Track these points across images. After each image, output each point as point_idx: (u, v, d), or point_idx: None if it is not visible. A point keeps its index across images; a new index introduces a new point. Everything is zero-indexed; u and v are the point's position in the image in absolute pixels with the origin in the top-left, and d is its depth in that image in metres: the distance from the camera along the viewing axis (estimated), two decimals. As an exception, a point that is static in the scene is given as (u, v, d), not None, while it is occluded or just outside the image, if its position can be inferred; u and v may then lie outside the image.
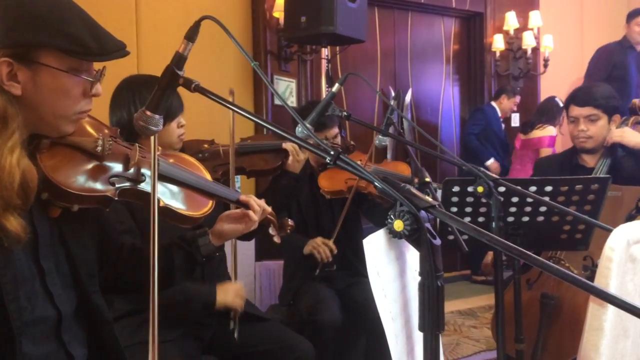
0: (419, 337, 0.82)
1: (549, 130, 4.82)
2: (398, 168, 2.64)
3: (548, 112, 4.87)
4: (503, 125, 5.12)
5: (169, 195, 1.35)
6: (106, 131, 1.30)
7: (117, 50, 1.16)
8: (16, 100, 1.09)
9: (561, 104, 4.75)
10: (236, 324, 1.91)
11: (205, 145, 2.30)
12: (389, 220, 0.84)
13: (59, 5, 1.11)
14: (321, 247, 2.47)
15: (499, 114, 5.02)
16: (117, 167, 1.25)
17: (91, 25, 1.13)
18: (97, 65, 1.19)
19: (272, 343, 1.96)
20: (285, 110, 4.15)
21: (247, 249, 3.05)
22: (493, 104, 5.05)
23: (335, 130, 2.59)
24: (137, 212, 1.76)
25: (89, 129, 1.27)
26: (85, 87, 1.17)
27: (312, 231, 2.62)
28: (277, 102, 4.06)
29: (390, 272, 0.89)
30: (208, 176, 1.51)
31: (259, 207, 1.52)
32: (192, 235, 1.50)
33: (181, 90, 1.14)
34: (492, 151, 4.93)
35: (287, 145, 2.31)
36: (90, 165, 1.21)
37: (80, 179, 1.17)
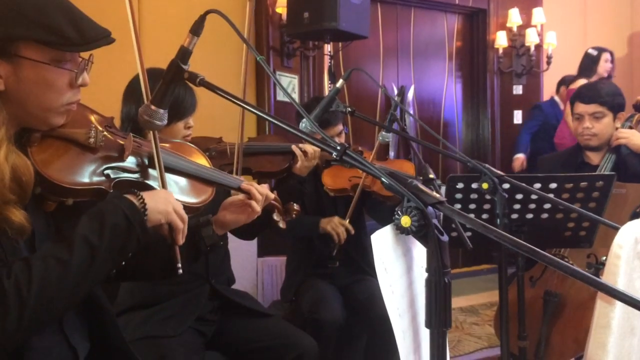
0: (426, 333, 0.82)
1: (580, 83, 4.73)
2: (403, 167, 2.62)
3: (584, 66, 4.73)
4: None
5: (166, 185, 1.32)
6: (100, 121, 1.27)
7: (99, 38, 1.13)
8: (0, 95, 1.07)
9: (595, 53, 4.66)
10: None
11: (212, 144, 2.28)
12: (396, 216, 0.83)
13: None
14: (339, 227, 2.45)
15: (562, 107, 4.91)
16: (111, 159, 1.22)
17: (71, 14, 1.10)
18: (85, 54, 1.16)
19: (274, 339, 1.95)
20: (288, 107, 4.15)
21: (250, 244, 3.04)
22: (555, 97, 4.98)
23: (340, 127, 2.58)
24: None
25: (82, 118, 1.24)
26: (70, 78, 1.14)
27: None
28: (279, 97, 4.05)
29: (398, 268, 0.88)
30: (207, 163, 1.49)
31: (261, 195, 1.51)
32: (196, 223, 1.48)
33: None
34: (550, 146, 4.83)
35: (295, 149, 2.29)
36: (83, 158, 1.18)
37: (73, 173, 1.14)
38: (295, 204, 1.68)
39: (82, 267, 1.03)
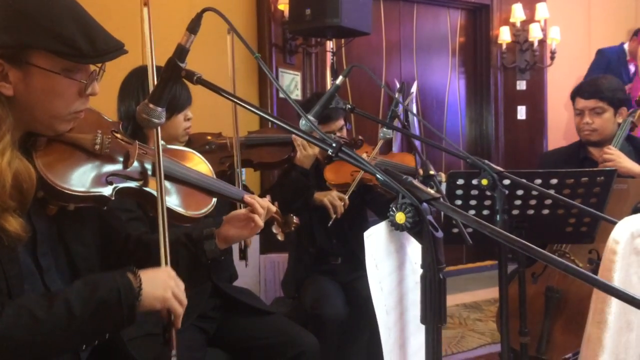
0: (412, 331, 0.82)
1: None
2: (405, 160, 2.63)
3: None
4: (633, 69, 4.59)
5: (167, 195, 1.31)
6: (107, 126, 1.27)
7: (111, 51, 1.13)
8: (8, 100, 1.08)
9: None
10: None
11: (212, 138, 2.30)
12: (391, 213, 0.83)
13: (51, 4, 1.08)
14: (336, 200, 2.42)
15: (628, 56, 4.60)
16: (116, 165, 1.22)
17: (85, 25, 1.10)
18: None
19: (276, 336, 1.96)
20: (291, 103, 4.14)
21: (252, 241, 3.05)
22: (625, 45, 4.63)
23: (341, 122, 2.58)
24: None
25: (89, 123, 1.24)
26: (80, 88, 1.14)
27: (316, 224, 2.62)
28: (282, 95, 4.05)
29: (389, 265, 0.89)
30: (210, 172, 1.48)
31: (263, 208, 1.50)
32: (199, 235, 1.46)
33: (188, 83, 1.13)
34: None
35: (295, 138, 2.30)
36: (87, 163, 1.18)
37: (76, 178, 1.14)
38: (294, 217, 1.68)
39: (53, 331, 1.01)
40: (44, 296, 1.05)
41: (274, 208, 1.57)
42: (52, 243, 1.19)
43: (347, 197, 2.43)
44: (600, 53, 4.75)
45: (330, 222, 2.41)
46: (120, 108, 1.82)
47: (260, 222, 1.49)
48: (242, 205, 1.53)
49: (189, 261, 1.46)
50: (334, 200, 2.42)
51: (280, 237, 1.67)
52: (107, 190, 1.18)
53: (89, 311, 1.04)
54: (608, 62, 4.64)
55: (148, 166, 1.29)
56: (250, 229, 1.50)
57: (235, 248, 2.02)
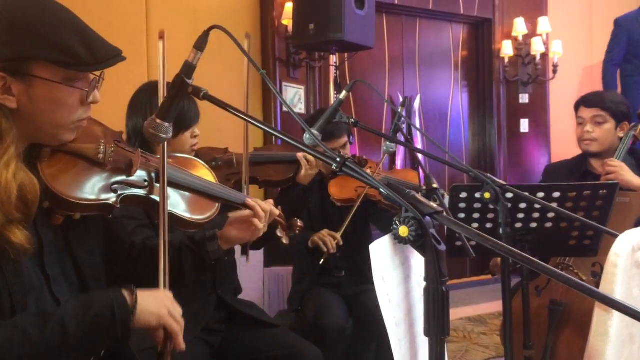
0: (422, 342, 0.83)
1: None
2: (408, 176, 2.65)
3: None
4: None
5: (172, 201, 1.34)
6: (109, 135, 1.30)
7: (110, 58, 1.14)
8: (12, 113, 1.09)
9: None
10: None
11: (218, 154, 2.32)
12: (394, 226, 0.85)
13: (49, 15, 1.10)
14: (327, 237, 2.45)
15: None
16: (120, 174, 1.24)
17: (83, 34, 1.12)
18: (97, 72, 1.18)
19: (280, 349, 1.97)
20: (294, 118, 4.16)
21: (256, 255, 3.06)
22: None
23: (344, 139, 2.60)
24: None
25: (92, 133, 1.26)
26: (81, 96, 1.16)
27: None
28: (286, 109, 4.08)
29: (395, 277, 0.90)
30: (213, 178, 1.50)
31: (265, 212, 1.51)
32: (202, 237, 1.49)
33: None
34: None
35: (300, 157, 2.32)
36: (91, 173, 1.20)
37: (81, 187, 1.16)
38: (298, 220, 1.69)
39: (48, 348, 1.02)
40: (38, 315, 1.05)
41: (277, 211, 1.58)
42: (59, 253, 1.20)
43: (342, 231, 2.45)
44: (616, 24, 4.39)
45: (322, 260, 2.42)
46: (128, 123, 1.85)
47: (260, 226, 1.50)
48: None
49: (194, 263, 1.48)
50: (323, 237, 2.45)
51: (284, 241, 1.68)
52: (112, 198, 1.20)
53: (84, 329, 1.05)
54: (629, 33, 4.31)
55: (151, 173, 1.31)
56: (252, 232, 1.51)
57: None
